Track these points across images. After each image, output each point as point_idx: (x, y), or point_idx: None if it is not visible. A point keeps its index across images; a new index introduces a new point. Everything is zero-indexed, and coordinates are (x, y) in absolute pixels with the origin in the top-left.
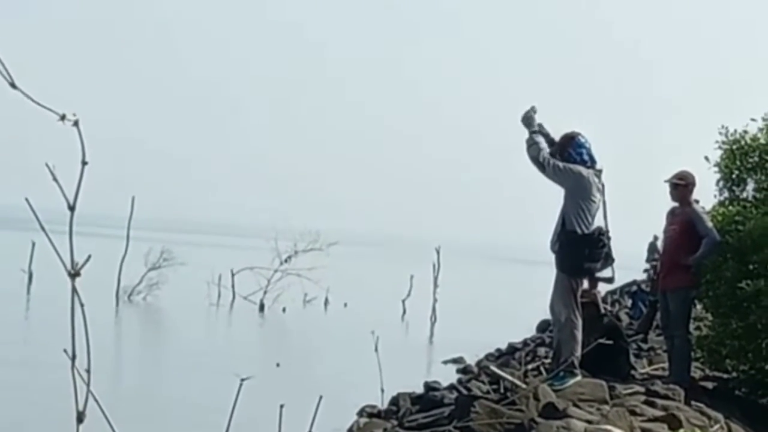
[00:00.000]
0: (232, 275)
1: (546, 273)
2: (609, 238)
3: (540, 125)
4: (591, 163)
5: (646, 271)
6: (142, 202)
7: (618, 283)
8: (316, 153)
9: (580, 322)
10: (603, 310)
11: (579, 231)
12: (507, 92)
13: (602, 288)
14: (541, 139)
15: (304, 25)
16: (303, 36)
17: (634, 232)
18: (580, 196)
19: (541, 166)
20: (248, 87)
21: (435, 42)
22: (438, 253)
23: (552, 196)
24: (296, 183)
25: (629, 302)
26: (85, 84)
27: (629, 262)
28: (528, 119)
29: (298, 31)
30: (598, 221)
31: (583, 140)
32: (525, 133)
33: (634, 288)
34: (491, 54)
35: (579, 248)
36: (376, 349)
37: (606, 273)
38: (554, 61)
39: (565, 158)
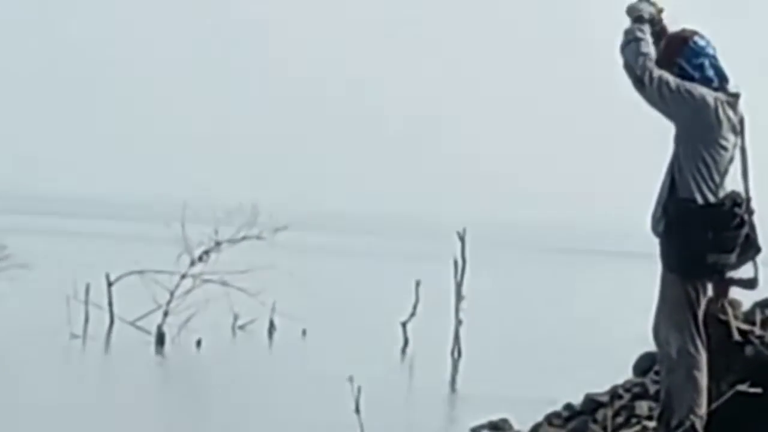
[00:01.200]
0: (109, 284)
1: (642, 271)
2: (751, 212)
3: (657, 12)
4: (719, 82)
5: None
6: None
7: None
8: (250, 102)
9: (704, 357)
10: (739, 335)
11: (700, 199)
12: None
13: (741, 296)
14: (647, 36)
15: None
16: None
17: None
18: (701, 138)
19: (639, 78)
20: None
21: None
22: (462, 240)
23: (643, 148)
24: (222, 143)
25: None
26: None
27: None
28: (634, 8)
29: None
30: (731, 183)
31: (703, 44)
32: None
33: None
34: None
35: (699, 229)
36: (357, 410)
37: (746, 272)
38: None
39: (673, 74)
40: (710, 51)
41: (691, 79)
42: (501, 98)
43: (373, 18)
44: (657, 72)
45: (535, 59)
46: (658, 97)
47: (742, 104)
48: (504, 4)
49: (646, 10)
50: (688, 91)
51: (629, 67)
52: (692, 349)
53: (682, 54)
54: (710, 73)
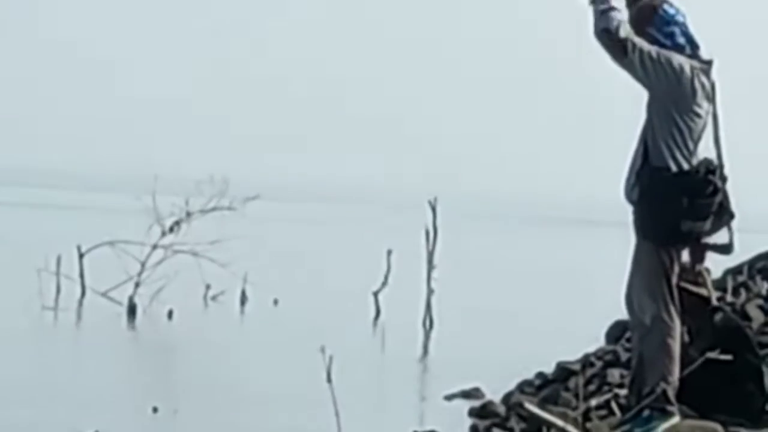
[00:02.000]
0: (80, 256)
1: (614, 240)
2: (724, 179)
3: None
4: (691, 49)
5: None
6: None
7: (743, 255)
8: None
9: (677, 325)
10: (715, 302)
11: (674, 167)
12: None
13: (714, 263)
14: (615, 7)
15: None
16: None
17: None
18: (676, 106)
19: (620, 46)
20: None
21: None
22: (434, 210)
23: (612, 114)
24: (190, 112)
25: (764, 287)
26: None
27: (764, 221)
28: None
29: None
30: (704, 150)
31: (672, 12)
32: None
33: None
34: None
35: (674, 196)
36: (328, 379)
37: (720, 238)
38: None
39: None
40: (680, 18)
41: (663, 46)
42: (472, 79)
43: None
44: (638, 40)
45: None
46: (639, 66)
47: (714, 71)
48: None
49: None
50: (668, 60)
51: (606, 37)
52: (666, 317)
53: (653, 23)
54: (681, 40)
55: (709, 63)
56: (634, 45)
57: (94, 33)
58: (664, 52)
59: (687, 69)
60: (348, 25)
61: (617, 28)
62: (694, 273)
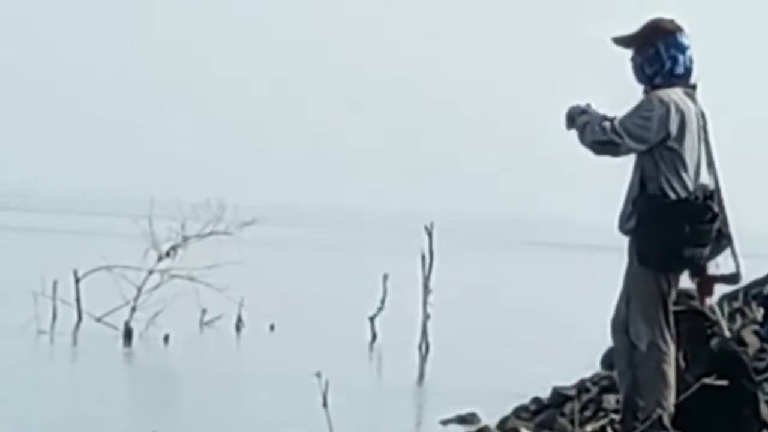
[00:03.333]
0: (76, 280)
1: (612, 265)
2: (722, 204)
3: (587, 105)
4: (685, 79)
5: None
6: None
7: (744, 279)
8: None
9: (672, 351)
10: (710, 327)
11: (672, 194)
12: None
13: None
14: (587, 117)
15: None
16: None
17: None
18: (669, 136)
19: (612, 144)
20: None
21: None
22: (430, 234)
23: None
24: (181, 142)
25: (760, 313)
26: None
27: (761, 246)
28: (571, 118)
29: None
30: (700, 176)
31: (686, 42)
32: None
33: None
34: None
35: (675, 223)
36: (324, 404)
37: (727, 267)
38: None
39: (645, 56)
40: (689, 52)
41: (661, 65)
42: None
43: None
44: (617, 124)
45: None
46: (633, 141)
47: (699, 95)
48: None
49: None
50: (655, 111)
51: (597, 143)
52: (662, 343)
53: (665, 40)
54: (680, 70)
55: (694, 87)
56: (619, 134)
57: (87, 51)
58: (646, 107)
59: (675, 100)
60: (320, 50)
61: (603, 132)
62: (694, 297)
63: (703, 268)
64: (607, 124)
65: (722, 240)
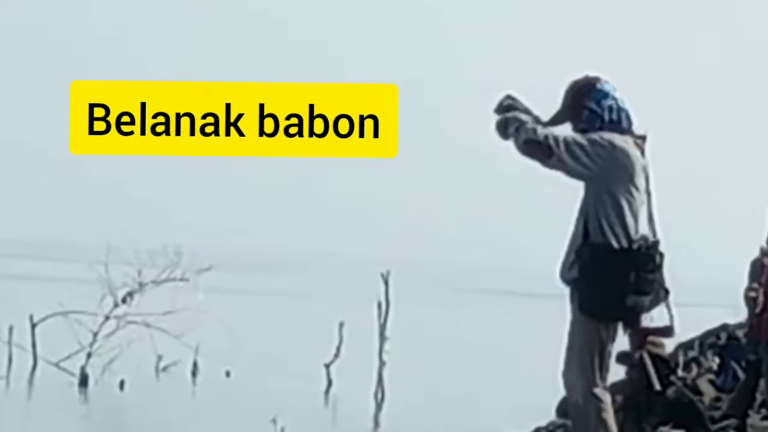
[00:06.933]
0: (32, 326)
1: (560, 313)
2: (662, 255)
3: (512, 101)
4: (627, 124)
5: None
6: None
7: (697, 328)
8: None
9: (608, 398)
10: (662, 378)
11: (615, 243)
12: None
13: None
14: (520, 114)
15: None
16: None
17: (721, 245)
18: (615, 183)
19: (545, 147)
20: None
21: None
22: (386, 282)
23: (556, 185)
24: (139, 184)
25: (715, 362)
26: None
27: (716, 296)
28: (504, 126)
29: None
30: (640, 226)
31: (609, 88)
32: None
33: (724, 338)
34: None
35: (619, 271)
36: None
37: (660, 320)
38: None
39: (582, 120)
40: (616, 95)
41: (602, 120)
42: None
43: None
44: (560, 134)
45: None
46: (569, 157)
47: (649, 146)
48: None
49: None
50: (599, 143)
51: (527, 144)
52: (598, 391)
53: (592, 97)
54: (617, 115)
55: (643, 138)
56: (556, 140)
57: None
58: (593, 135)
59: (621, 146)
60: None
61: (534, 132)
62: (651, 344)
63: (636, 321)
64: (547, 132)
65: (660, 291)
